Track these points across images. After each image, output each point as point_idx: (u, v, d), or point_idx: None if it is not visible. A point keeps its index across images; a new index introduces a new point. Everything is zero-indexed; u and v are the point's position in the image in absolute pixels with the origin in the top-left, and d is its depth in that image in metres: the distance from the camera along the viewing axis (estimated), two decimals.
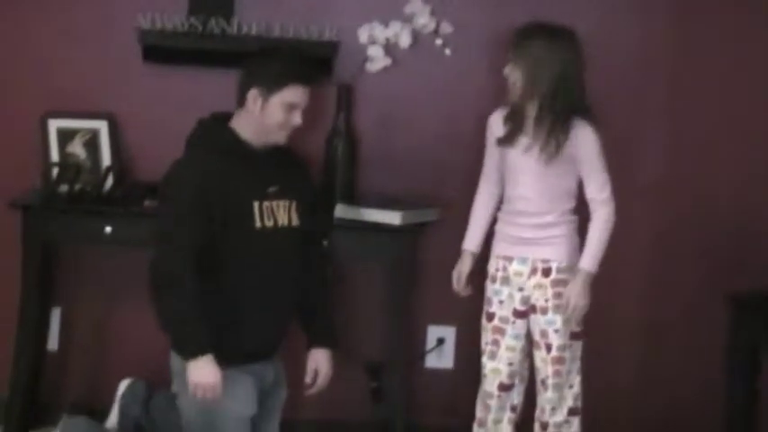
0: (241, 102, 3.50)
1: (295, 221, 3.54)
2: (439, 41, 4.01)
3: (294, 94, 3.44)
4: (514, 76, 3.49)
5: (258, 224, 3.46)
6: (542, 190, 3.53)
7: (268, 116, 3.44)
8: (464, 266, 3.68)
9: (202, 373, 3.34)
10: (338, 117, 3.95)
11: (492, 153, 3.63)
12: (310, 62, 3.69)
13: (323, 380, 3.64)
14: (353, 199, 3.94)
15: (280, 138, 3.49)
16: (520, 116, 3.51)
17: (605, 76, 3.91)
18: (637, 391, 4.21)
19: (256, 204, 3.46)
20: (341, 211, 3.86)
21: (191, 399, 3.42)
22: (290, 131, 3.49)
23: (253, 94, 3.42)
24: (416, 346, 4.13)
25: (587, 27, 3.80)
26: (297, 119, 3.46)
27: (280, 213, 3.53)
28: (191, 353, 3.37)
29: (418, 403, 4.08)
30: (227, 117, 3.53)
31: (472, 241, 3.69)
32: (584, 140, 3.48)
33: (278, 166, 3.53)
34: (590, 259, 3.51)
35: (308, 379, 3.64)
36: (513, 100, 3.53)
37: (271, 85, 3.42)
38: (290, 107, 3.44)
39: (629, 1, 4.09)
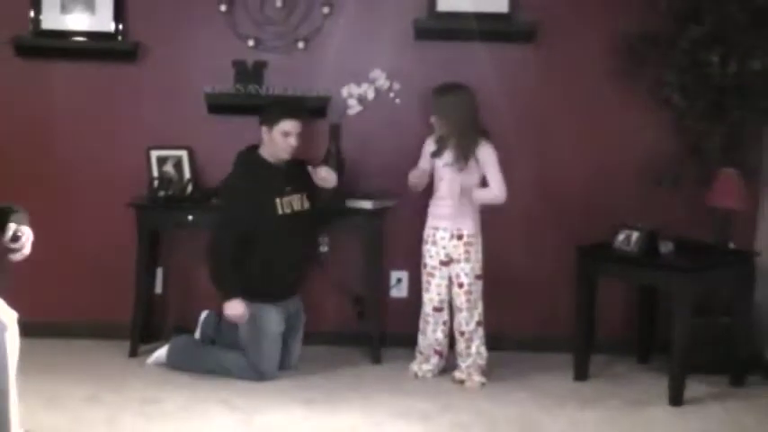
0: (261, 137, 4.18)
1: (306, 206, 4.27)
2: (392, 95, 4.69)
3: (285, 125, 4.14)
4: (438, 122, 4.28)
5: (280, 212, 4.18)
6: (457, 184, 4.25)
7: (273, 142, 4.18)
8: (417, 170, 4.29)
9: (232, 307, 4.14)
10: (331, 144, 4.59)
11: (425, 160, 4.39)
12: (300, 106, 4.33)
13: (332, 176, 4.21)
14: (342, 194, 4.58)
15: (285, 154, 4.19)
16: (443, 142, 4.31)
17: (498, 113, 4.60)
18: (518, 308, 4.89)
19: (278, 200, 4.18)
20: (335, 203, 4.52)
21: (242, 323, 4.15)
22: (291, 150, 4.20)
23: (264, 130, 4.19)
24: (384, 284, 4.81)
25: (484, 81, 4.59)
26: (292, 141, 4.15)
27: (294, 203, 4.23)
28: (226, 296, 4.13)
29: (387, 320, 4.79)
30: (256, 146, 4.29)
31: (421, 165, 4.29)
32: (486, 154, 4.25)
33: (290, 172, 4.26)
34: (479, 194, 4.21)
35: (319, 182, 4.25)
36: (438, 134, 4.32)
37: (270, 122, 4.17)
38: (285, 134, 4.14)
39: (514, 63, 4.74)
